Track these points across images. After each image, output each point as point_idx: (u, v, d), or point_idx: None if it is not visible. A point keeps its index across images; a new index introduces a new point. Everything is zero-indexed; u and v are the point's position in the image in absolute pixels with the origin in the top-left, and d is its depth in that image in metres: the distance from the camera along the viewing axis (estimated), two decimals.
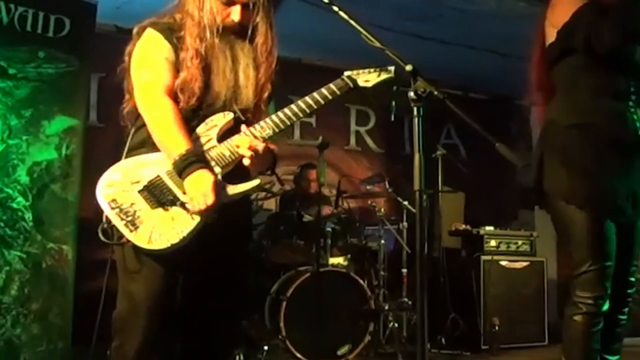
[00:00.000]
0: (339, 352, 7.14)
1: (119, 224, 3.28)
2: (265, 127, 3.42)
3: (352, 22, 3.24)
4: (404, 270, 8.51)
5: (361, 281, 7.45)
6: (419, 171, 2.99)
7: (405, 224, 8.65)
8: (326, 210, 8.02)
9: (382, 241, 8.40)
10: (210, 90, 3.43)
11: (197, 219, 3.31)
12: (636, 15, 3.89)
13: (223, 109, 3.46)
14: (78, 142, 6.26)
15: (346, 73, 3.58)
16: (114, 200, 3.31)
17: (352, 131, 11.23)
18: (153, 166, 3.39)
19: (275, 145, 3.53)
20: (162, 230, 3.28)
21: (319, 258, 6.84)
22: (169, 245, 3.26)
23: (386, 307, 7.98)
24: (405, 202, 8.42)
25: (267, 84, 3.60)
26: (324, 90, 3.50)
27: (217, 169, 3.37)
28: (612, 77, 4.05)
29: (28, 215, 5.92)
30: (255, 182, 3.46)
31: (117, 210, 3.29)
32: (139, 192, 3.32)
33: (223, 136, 3.42)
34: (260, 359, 6.99)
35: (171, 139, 3.32)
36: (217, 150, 3.38)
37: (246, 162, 3.35)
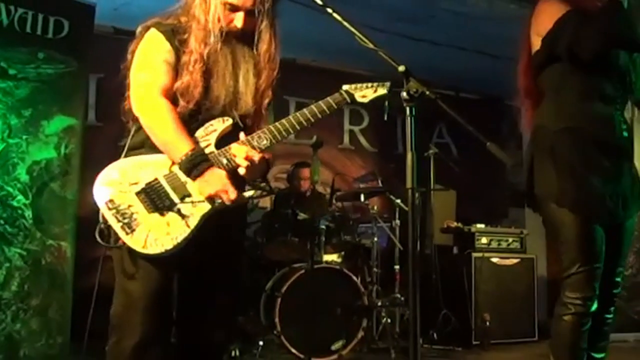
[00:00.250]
0: (333, 348, 7.15)
1: (116, 226, 3.28)
2: (263, 137, 3.42)
3: (345, 23, 3.24)
4: (397, 267, 8.51)
5: (354, 278, 7.45)
6: (412, 170, 3.00)
7: (397, 221, 8.66)
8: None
9: (375, 238, 8.42)
10: (210, 95, 3.43)
11: (192, 225, 3.33)
12: (618, 21, 3.90)
13: (222, 113, 3.46)
14: (77, 141, 6.27)
15: (344, 87, 3.57)
16: (111, 201, 3.31)
17: (345, 130, 11.25)
18: (152, 168, 3.39)
19: (270, 154, 3.55)
20: (157, 235, 3.28)
21: (313, 255, 6.84)
22: (163, 250, 3.27)
23: (379, 303, 7.99)
24: (398, 200, 8.44)
25: (268, 91, 3.60)
26: (322, 104, 3.50)
27: None
28: (597, 81, 4.07)
29: (28, 213, 5.93)
30: (250, 193, 3.51)
31: (114, 211, 3.29)
32: (137, 194, 3.33)
33: (221, 141, 3.42)
34: (256, 354, 7.01)
35: (173, 140, 3.33)
36: (215, 157, 3.39)
37: (241, 171, 3.36)
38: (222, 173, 3.28)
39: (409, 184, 3.01)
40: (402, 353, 7.34)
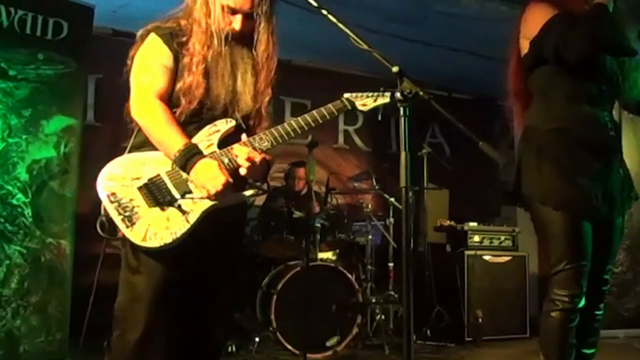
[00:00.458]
0: (328, 344, 7.17)
1: (116, 218, 3.29)
2: (264, 139, 3.44)
3: (340, 25, 3.24)
4: (391, 265, 8.55)
5: (349, 275, 7.46)
6: (405, 169, 3.01)
7: (391, 219, 8.69)
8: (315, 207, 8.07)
9: (370, 236, 8.44)
10: (210, 94, 3.45)
11: (192, 221, 3.35)
12: (604, 25, 3.92)
13: (224, 112, 3.49)
14: (76, 140, 6.30)
15: (345, 95, 3.60)
16: (113, 194, 3.32)
17: (340, 130, 11.26)
18: (154, 164, 3.40)
19: (271, 156, 3.57)
20: (157, 229, 3.30)
21: (309, 253, 6.86)
22: (162, 244, 3.28)
23: (373, 300, 8.02)
24: (392, 199, 8.45)
25: (267, 90, 3.63)
26: (323, 110, 3.53)
27: None
28: (584, 83, 4.07)
29: (27, 212, 5.95)
30: (249, 192, 3.53)
31: (116, 204, 3.30)
32: (139, 188, 3.34)
33: (224, 141, 3.44)
34: (252, 350, 7.01)
35: (168, 138, 3.35)
36: (217, 156, 3.40)
37: (242, 171, 3.37)
38: (214, 163, 3.29)
39: (402, 183, 3.02)
40: (396, 349, 7.34)
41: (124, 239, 3.37)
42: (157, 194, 3.34)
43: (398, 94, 3.05)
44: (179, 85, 3.44)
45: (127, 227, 3.29)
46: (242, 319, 7.45)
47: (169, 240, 3.29)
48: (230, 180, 3.28)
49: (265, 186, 3.75)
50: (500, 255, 8.90)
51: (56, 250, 6.11)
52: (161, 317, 3.38)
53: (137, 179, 3.36)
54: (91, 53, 6.63)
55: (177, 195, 3.35)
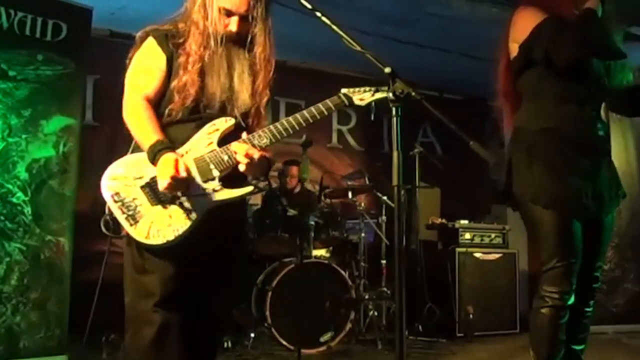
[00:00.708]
0: (322, 339, 7.19)
1: (120, 217, 3.32)
2: (263, 136, 3.45)
3: (333, 26, 3.25)
4: (383, 262, 8.56)
5: (342, 272, 7.50)
6: (397, 168, 3.02)
7: (384, 217, 8.70)
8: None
9: (363, 234, 8.46)
10: (205, 92, 3.47)
11: (193, 218, 3.36)
12: (593, 30, 3.94)
13: (221, 110, 3.51)
14: (75, 140, 6.31)
15: (343, 91, 3.58)
16: (117, 194, 3.34)
17: (334, 130, 11.28)
18: None
19: (271, 153, 3.59)
20: (159, 227, 3.32)
21: (303, 250, 6.90)
22: (164, 241, 3.30)
23: (366, 297, 8.03)
24: (385, 197, 8.46)
25: (266, 90, 3.64)
26: (321, 106, 3.52)
27: (215, 172, 3.41)
28: (573, 85, 4.08)
29: (27, 210, 5.96)
30: (249, 189, 3.53)
31: (120, 203, 3.32)
32: (141, 187, 3.36)
33: (224, 140, 3.45)
34: (247, 345, 7.04)
35: (144, 134, 3.38)
36: (217, 154, 3.42)
37: (241, 168, 3.39)
38: (171, 157, 3.27)
39: (395, 182, 3.02)
40: (389, 344, 7.37)
41: (129, 238, 3.40)
42: (159, 192, 3.35)
43: (391, 95, 3.06)
44: (173, 83, 3.47)
45: (131, 225, 3.31)
46: (238, 315, 7.45)
47: (171, 237, 3.31)
48: (184, 174, 3.26)
49: (263, 184, 3.76)
50: (490, 253, 8.93)
51: (55, 248, 6.12)
52: (173, 312, 3.39)
53: (140, 178, 3.37)
54: (89, 54, 6.64)
55: (178, 193, 3.37)
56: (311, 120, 3.50)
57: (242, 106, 3.56)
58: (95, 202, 3.40)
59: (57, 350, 6.05)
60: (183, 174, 3.26)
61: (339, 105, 3.56)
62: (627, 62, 4.37)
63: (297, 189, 8.75)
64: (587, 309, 4.25)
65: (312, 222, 7.82)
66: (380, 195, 8.52)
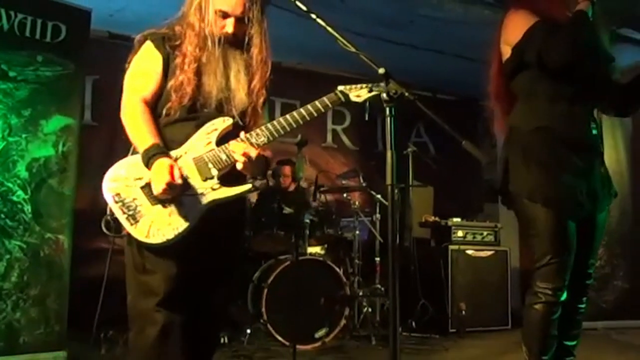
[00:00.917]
0: (317, 335, 7.22)
1: (121, 217, 3.33)
2: (260, 134, 3.46)
3: (328, 28, 3.26)
4: (377, 259, 8.61)
5: (337, 269, 7.52)
6: (391, 167, 3.03)
7: (378, 215, 8.74)
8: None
9: (357, 232, 8.50)
10: (202, 91, 3.49)
11: (193, 217, 3.37)
12: (584, 32, 3.96)
13: (218, 109, 3.53)
14: (74, 139, 6.31)
15: (339, 88, 3.56)
16: (117, 194, 3.35)
17: (329, 129, 11.28)
18: None
19: (269, 152, 3.60)
20: (159, 226, 3.33)
21: (298, 247, 6.88)
22: (164, 240, 3.32)
23: (360, 293, 8.06)
24: (378, 196, 8.48)
25: (262, 90, 3.65)
26: (317, 103, 3.53)
27: (214, 171, 3.43)
28: (565, 85, 4.08)
29: (27, 208, 5.96)
30: (247, 187, 3.53)
31: (120, 204, 3.34)
32: (141, 188, 3.37)
33: (222, 139, 3.47)
34: (244, 341, 7.06)
35: (140, 137, 3.40)
36: (215, 153, 3.44)
37: (239, 166, 3.41)
38: (165, 162, 3.30)
39: (388, 181, 3.04)
40: (382, 340, 7.39)
41: (129, 238, 3.41)
42: None
43: (384, 95, 3.07)
44: (170, 83, 3.49)
45: (131, 224, 3.33)
46: (234, 311, 7.46)
47: (171, 236, 3.33)
48: (179, 181, 3.29)
49: (260, 182, 3.76)
50: (482, 250, 8.96)
51: (55, 245, 6.12)
52: (175, 312, 3.40)
53: (139, 179, 3.39)
54: (88, 55, 6.64)
55: None
56: (308, 118, 3.51)
57: (239, 105, 3.57)
58: (94, 201, 3.42)
59: (56, 345, 6.05)
60: (179, 180, 3.29)
61: (335, 102, 3.55)
62: (616, 63, 4.39)
63: (292, 188, 8.76)
64: (580, 306, 4.26)
65: (307, 220, 7.85)
66: (374, 193, 8.53)
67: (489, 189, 11.03)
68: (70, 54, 6.33)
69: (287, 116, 3.51)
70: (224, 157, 3.43)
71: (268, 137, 3.47)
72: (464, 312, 8.39)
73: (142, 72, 3.56)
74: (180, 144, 3.46)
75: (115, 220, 3.36)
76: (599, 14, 4.11)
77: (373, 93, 3.45)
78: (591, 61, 4.16)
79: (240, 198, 3.63)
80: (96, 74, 8.34)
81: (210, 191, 3.43)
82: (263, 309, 6.99)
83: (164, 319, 3.36)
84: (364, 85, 3.51)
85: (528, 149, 4.12)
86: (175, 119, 3.50)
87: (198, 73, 3.49)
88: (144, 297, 3.42)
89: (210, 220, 3.41)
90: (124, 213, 3.34)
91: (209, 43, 3.51)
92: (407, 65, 8.26)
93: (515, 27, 4.14)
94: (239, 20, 3.54)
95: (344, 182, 9.07)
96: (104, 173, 3.43)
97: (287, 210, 7.98)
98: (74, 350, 6.24)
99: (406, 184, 8.67)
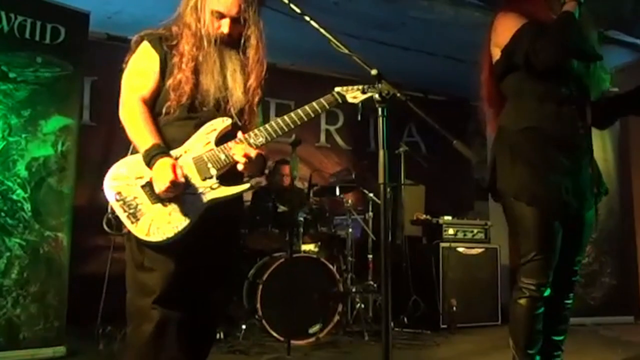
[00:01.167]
0: (311, 331, 7.22)
1: (122, 215, 3.34)
2: (259, 135, 3.48)
3: (322, 30, 3.28)
4: (370, 256, 8.65)
5: (331, 266, 7.52)
6: (383, 166, 3.06)
7: (370, 214, 8.77)
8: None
9: (350, 229, 8.49)
10: (199, 89, 3.50)
11: (192, 215, 3.38)
12: (571, 33, 3.97)
13: (216, 107, 3.54)
14: (72, 139, 6.34)
15: (336, 89, 3.57)
16: (119, 193, 3.36)
17: (322, 129, 11.29)
18: None
19: (266, 151, 3.61)
20: (159, 224, 3.34)
21: (292, 245, 6.92)
22: (164, 238, 3.33)
23: (353, 290, 8.06)
24: (371, 194, 8.51)
25: (258, 90, 3.66)
26: (315, 104, 3.54)
27: (213, 171, 3.44)
28: (554, 86, 4.10)
29: (27, 206, 5.99)
30: (245, 186, 3.54)
31: (121, 202, 3.35)
32: (142, 187, 3.38)
33: (221, 139, 3.49)
34: (239, 337, 7.05)
35: (140, 136, 3.41)
36: (215, 153, 3.46)
37: (240, 167, 3.42)
38: (167, 162, 3.31)
39: (381, 179, 3.07)
40: (375, 336, 7.39)
41: (129, 236, 3.42)
42: None
43: (377, 95, 3.09)
44: (168, 82, 3.50)
45: (132, 223, 3.34)
46: (230, 308, 7.46)
47: (171, 234, 3.33)
48: (182, 179, 3.31)
49: (257, 181, 3.77)
50: (473, 247, 8.96)
51: (54, 243, 6.15)
52: (172, 309, 3.41)
53: (140, 178, 3.40)
54: (87, 56, 6.68)
55: None
56: (306, 119, 3.53)
57: (237, 103, 3.59)
58: (93, 199, 3.44)
59: (55, 341, 6.08)
60: (181, 179, 3.31)
61: (332, 104, 3.57)
62: (604, 62, 4.41)
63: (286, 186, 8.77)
64: (567, 302, 4.30)
65: (301, 218, 7.86)
66: (366, 192, 8.56)
67: (479, 187, 11.05)
68: (69, 55, 6.38)
69: (285, 117, 3.52)
70: (222, 157, 3.45)
71: (266, 138, 3.49)
72: (454, 308, 8.40)
73: (140, 71, 3.56)
74: (180, 143, 3.47)
75: (116, 218, 3.37)
76: (586, 14, 4.13)
77: (369, 94, 3.45)
78: (578, 61, 4.19)
79: (238, 197, 3.64)
80: (94, 75, 8.35)
81: (210, 190, 3.44)
82: (258, 305, 7.00)
83: (159, 316, 3.37)
84: (360, 87, 3.51)
85: (516, 148, 4.15)
86: (175, 118, 3.51)
87: (195, 72, 3.50)
88: (142, 295, 3.42)
89: (209, 219, 3.42)
90: (125, 211, 3.34)
91: (205, 43, 3.53)
92: (398, 67, 8.30)
93: (505, 29, 4.16)
94: (235, 21, 3.55)
95: (337, 180, 9.08)
96: (103, 172, 3.43)
97: (282, 208, 8.01)
98: (73, 345, 6.26)
99: (398, 182, 8.69)
